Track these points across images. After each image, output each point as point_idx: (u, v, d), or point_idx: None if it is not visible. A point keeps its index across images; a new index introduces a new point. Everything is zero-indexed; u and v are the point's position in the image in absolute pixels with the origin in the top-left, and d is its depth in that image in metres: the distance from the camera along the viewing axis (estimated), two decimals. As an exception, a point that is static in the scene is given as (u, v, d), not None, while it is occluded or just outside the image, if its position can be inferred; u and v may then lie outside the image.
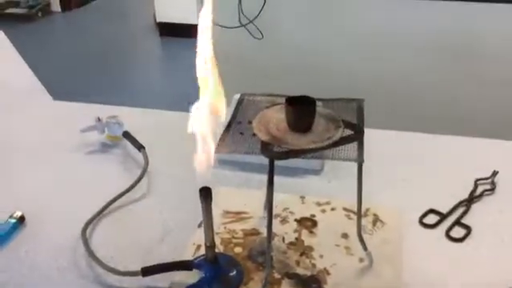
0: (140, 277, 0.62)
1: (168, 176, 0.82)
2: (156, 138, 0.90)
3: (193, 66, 0.54)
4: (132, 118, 0.94)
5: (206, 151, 0.54)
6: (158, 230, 0.71)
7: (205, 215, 0.57)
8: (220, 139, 0.55)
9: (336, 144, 0.51)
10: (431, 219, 0.71)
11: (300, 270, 0.62)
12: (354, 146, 0.55)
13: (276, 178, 0.86)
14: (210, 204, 0.56)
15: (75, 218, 0.72)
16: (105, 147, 0.91)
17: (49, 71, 1.79)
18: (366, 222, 0.70)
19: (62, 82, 2.15)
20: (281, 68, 2.77)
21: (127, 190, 0.77)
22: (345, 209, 0.73)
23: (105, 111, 0.93)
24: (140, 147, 0.85)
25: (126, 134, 0.89)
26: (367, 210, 0.72)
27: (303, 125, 0.53)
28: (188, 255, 0.65)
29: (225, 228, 0.69)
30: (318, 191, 0.77)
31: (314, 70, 2.73)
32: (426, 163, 0.84)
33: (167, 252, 0.67)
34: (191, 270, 0.62)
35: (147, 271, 0.61)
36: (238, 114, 0.58)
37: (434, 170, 0.82)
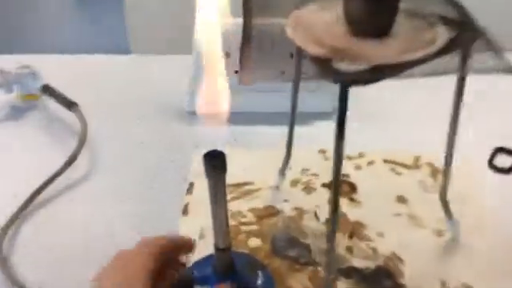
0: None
1: (120, 143, 0.56)
2: (91, 92, 0.63)
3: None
4: (50, 68, 0.65)
5: (213, 84, 0.30)
6: (113, 228, 0.46)
7: (214, 198, 0.33)
8: (243, 58, 0.30)
9: (446, 50, 0.29)
10: (504, 161, 0.52)
11: (357, 261, 0.41)
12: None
13: (269, 129, 0.64)
14: (224, 179, 0.33)
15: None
16: (16, 112, 0.62)
17: None
18: (422, 176, 0.50)
19: None
20: None
21: (59, 172, 0.50)
22: (386, 161, 0.52)
23: (10, 62, 0.64)
24: (70, 105, 0.58)
25: (47, 89, 0.61)
26: (416, 159, 0.52)
27: (381, 23, 0.30)
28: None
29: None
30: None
31: None
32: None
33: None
34: (192, 287, 0.38)
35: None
36: (249, 19, 0.33)
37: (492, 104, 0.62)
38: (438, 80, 0.32)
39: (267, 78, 0.32)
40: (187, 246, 0.37)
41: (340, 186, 0.33)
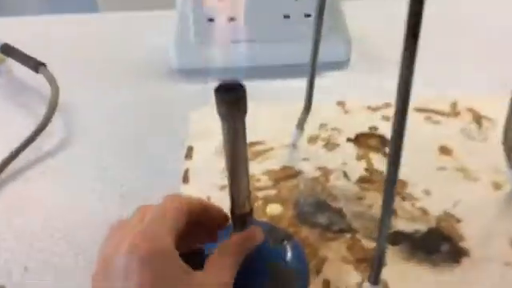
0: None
1: (99, 106, 0.47)
2: (59, 54, 0.54)
3: None
4: (10, 31, 0.55)
5: None
6: (97, 204, 0.37)
7: (232, 148, 0.25)
8: None
9: None
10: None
11: (404, 225, 0.34)
12: None
13: (282, 83, 0.51)
14: (243, 118, 0.24)
15: None
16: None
17: None
18: (464, 123, 0.42)
19: None
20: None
21: (28, 142, 0.41)
22: (419, 109, 0.44)
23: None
24: (37, 65, 0.48)
25: (8, 50, 0.51)
26: (454, 105, 0.44)
27: None
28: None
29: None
30: (353, 92, 0.48)
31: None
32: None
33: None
34: (202, 266, 0.30)
35: None
36: None
37: None
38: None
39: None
40: (221, 216, 0.28)
41: (401, 144, 0.25)
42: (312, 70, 0.38)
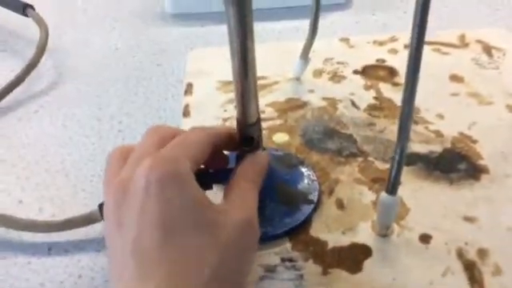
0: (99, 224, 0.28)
1: (92, 49, 0.45)
2: None
3: None
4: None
5: None
6: (94, 145, 0.35)
7: (237, 33, 0.23)
8: None
9: None
10: None
11: (418, 147, 0.32)
12: None
13: (283, 24, 0.48)
14: (250, 7, 0.22)
15: None
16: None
17: None
18: (474, 53, 0.41)
19: None
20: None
21: (15, 83, 0.39)
22: (428, 42, 0.42)
23: None
24: (25, 7, 0.46)
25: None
26: (462, 37, 0.43)
27: None
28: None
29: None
30: (355, 32, 0.46)
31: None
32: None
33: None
34: (211, 187, 0.28)
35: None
36: None
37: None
38: None
39: None
40: (232, 137, 0.26)
41: (418, 72, 0.23)
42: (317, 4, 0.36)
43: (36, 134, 0.36)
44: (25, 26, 0.46)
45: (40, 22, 0.44)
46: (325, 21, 0.47)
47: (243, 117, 0.25)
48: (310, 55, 0.38)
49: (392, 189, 0.25)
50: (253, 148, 0.26)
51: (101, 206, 0.27)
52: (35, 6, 0.46)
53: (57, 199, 0.31)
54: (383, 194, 0.25)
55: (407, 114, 0.24)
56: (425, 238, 0.26)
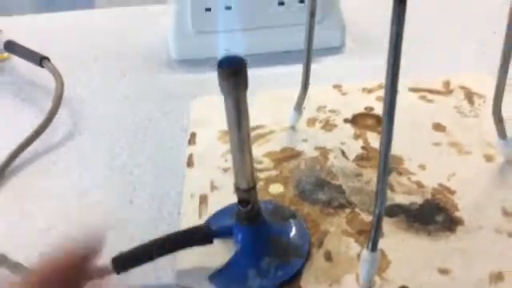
0: (110, 276, 0.31)
1: (103, 98, 0.48)
2: (61, 49, 0.55)
3: None
4: (14, 28, 0.57)
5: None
6: (106, 190, 0.39)
7: (235, 123, 0.26)
8: None
9: None
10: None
11: (400, 198, 0.35)
12: None
13: (279, 69, 0.52)
14: (244, 91, 0.26)
15: None
16: (-22, 76, 0.54)
17: None
18: (456, 101, 0.44)
19: None
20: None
21: (35, 135, 0.42)
22: (414, 89, 0.45)
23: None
24: (41, 60, 0.49)
25: (12, 46, 0.52)
26: (446, 83, 0.46)
27: None
28: (190, 219, 0.35)
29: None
30: (348, 76, 0.49)
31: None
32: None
33: (141, 222, 0.35)
34: (211, 241, 0.31)
35: (125, 262, 0.30)
36: None
37: None
38: None
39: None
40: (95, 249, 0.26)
41: (393, 119, 0.26)
42: (308, 51, 0.39)
43: (53, 183, 0.39)
44: (42, 77, 0.50)
45: (56, 74, 0.48)
46: (319, 65, 0.51)
47: (239, 183, 0.29)
48: (305, 102, 0.41)
49: (372, 246, 0.28)
50: (249, 210, 0.30)
51: (114, 259, 0.30)
52: (50, 56, 0.50)
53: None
54: (365, 252, 0.28)
55: (381, 190, 0.27)
56: (403, 290, 0.29)
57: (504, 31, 0.33)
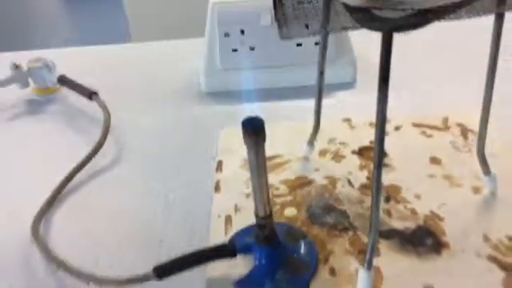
0: (150, 283, 0.37)
1: (143, 127, 0.56)
2: (105, 82, 0.63)
3: None
4: (64, 61, 0.65)
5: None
6: (147, 209, 0.46)
7: (255, 166, 0.33)
8: (277, 14, 0.30)
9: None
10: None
11: (397, 223, 0.41)
12: None
13: (287, 103, 0.62)
14: (263, 145, 0.32)
15: (17, 214, 0.45)
16: (33, 106, 0.62)
17: None
18: (452, 136, 0.49)
19: None
20: None
21: (86, 160, 0.50)
22: (415, 124, 0.51)
23: (23, 57, 0.64)
24: (91, 94, 0.57)
25: (64, 80, 0.60)
26: (445, 120, 0.51)
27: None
28: (217, 236, 0.41)
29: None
30: (358, 111, 0.55)
31: None
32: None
33: (176, 238, 0.42)
34: (234, 255, 0.38)
35: (164, 271, 0.36)
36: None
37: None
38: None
39: (302, 34, 0.31)
40: None
41: (383, 145, 0.32)
42: (319, 92, 0.45)
43: (102, 204, 0.46)
44: (89, 108, 0.57)
45: (103, 107, 0.55)
46: (332, 99, 0.57)
47: (258, 211, 0.35)
48: (318, 135, 0.48)
49: (368, 265, 0.34)
50: (266, 233, 0.36)
51: (155, 268, 0.37)
52: (97, 87, 0.58)
53: (120, 261, 0.41)
54: (361, 270, 0.34)
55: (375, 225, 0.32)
56: (393, 302, 0.35)
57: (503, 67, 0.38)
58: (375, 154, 0.32)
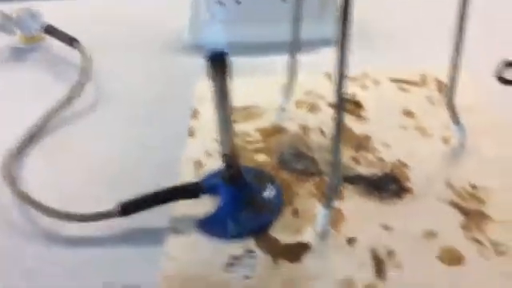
0: (115, 220, 0.38)
1: (125, 75, 0.56)
2: (96, 31, 0.63)
3: None
4: (52, 13, 0.65)
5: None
6: (122, 152, 0.46)
7: (220, 102, 0.33)
8: None
9: None
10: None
11: (364, 170, 0.41)
12: None
13: (271, 58, 0.58)
14: (226, 78, 0.32)
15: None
16: (20, 53, 0.62)
17: None
18: (429, 91, 0.49)
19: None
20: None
21: (64, 104, 0.50)
22: (393, 80, 0.51)
23: (12, 7, 0.64)
24: (72, 40, 0.57)
25: (50, 29, 0.60)
26: (422, 76, 0.51)
27: None
28: (188, 178, 0.42)
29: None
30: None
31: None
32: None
33: (147, 180, 0.43)
34: (199, 196, 0.39)
35: (129, 208, 0.37)
36: None
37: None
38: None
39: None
40: None
41: (344, 78, 0.33)
42: (294, 40, 0.45)
43: (80, 146, 0.47)
44: (73, 56, 0.58)
45: (83, 53, 0.55)
46: (315, 55, 0.57)
47: (224, 150, 0.36)
48: (297, 87, 0.48)
49: (327, 204, 0.35)
50: (231, 172, 0.37)
51: (121, 204, 0.38)
52: (82, 39, 0.58)
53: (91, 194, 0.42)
54: (321, 208, 0.35)
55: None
56: (351, 241, 0.36)
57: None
58: (337, 90, 0.32)
